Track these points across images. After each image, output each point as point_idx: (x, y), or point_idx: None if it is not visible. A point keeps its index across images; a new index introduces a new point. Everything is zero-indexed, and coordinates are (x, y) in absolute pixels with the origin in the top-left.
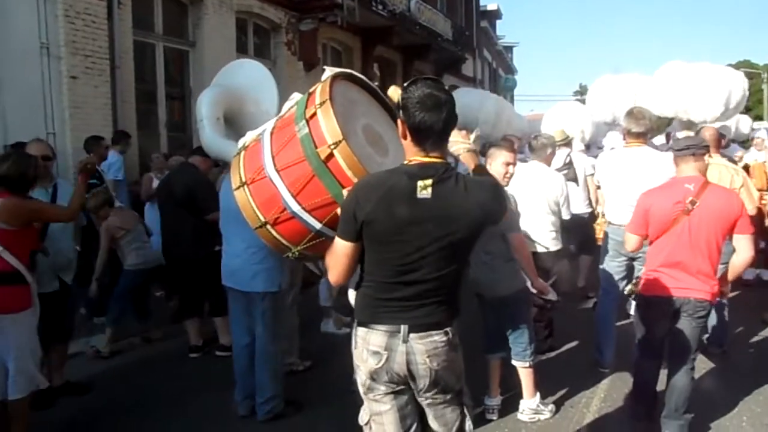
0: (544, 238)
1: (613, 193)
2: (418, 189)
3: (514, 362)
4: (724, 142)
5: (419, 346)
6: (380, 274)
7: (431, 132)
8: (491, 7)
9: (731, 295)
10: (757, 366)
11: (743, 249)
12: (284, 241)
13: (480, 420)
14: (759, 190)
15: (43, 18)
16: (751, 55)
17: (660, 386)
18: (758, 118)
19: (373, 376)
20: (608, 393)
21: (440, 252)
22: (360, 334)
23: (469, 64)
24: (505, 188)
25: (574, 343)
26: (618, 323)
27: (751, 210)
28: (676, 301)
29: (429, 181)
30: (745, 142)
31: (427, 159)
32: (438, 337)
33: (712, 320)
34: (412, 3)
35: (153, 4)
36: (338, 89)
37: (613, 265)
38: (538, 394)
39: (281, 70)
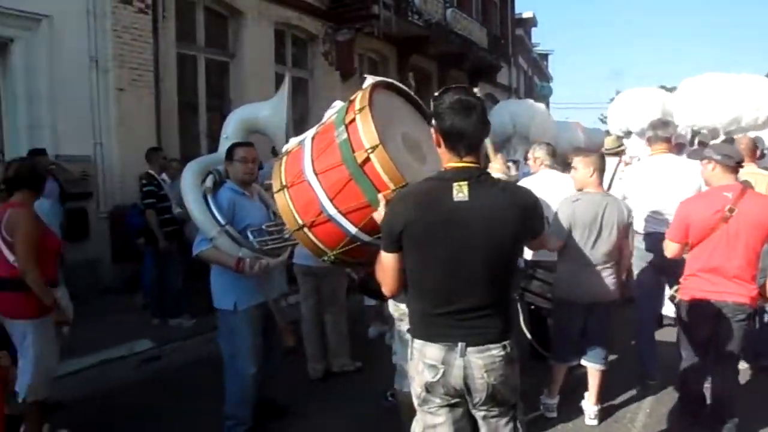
0: None
1: (638, 202)
2: (454, 191)
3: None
4: (759, 152)
5: (477, 361)
6: (428, 283)
7: (463, 135)
8: (527, 15)
9: None
10: None
11: None
12: (321, 245)
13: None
14: None
15: (92, 33)
16: None
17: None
18: None
19: (428, 389)
20: (654, 408)
21: (487, 255)
22: (416, 346)
23: (505, 72)
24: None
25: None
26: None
27: None
28: (715, 304)
29: (464, 183)
30: None
31: (461, 164)
32: (496, 351)
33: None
34: (448, 12)
35: (195, 17)
36: (378, 97)
37: (648, 276)
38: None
39: (318, 80)
